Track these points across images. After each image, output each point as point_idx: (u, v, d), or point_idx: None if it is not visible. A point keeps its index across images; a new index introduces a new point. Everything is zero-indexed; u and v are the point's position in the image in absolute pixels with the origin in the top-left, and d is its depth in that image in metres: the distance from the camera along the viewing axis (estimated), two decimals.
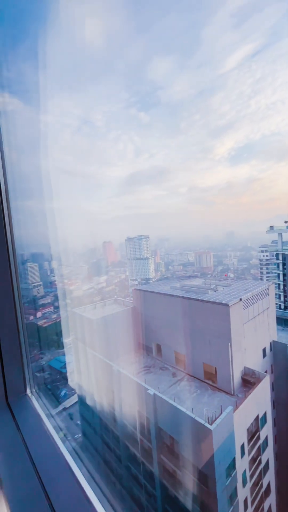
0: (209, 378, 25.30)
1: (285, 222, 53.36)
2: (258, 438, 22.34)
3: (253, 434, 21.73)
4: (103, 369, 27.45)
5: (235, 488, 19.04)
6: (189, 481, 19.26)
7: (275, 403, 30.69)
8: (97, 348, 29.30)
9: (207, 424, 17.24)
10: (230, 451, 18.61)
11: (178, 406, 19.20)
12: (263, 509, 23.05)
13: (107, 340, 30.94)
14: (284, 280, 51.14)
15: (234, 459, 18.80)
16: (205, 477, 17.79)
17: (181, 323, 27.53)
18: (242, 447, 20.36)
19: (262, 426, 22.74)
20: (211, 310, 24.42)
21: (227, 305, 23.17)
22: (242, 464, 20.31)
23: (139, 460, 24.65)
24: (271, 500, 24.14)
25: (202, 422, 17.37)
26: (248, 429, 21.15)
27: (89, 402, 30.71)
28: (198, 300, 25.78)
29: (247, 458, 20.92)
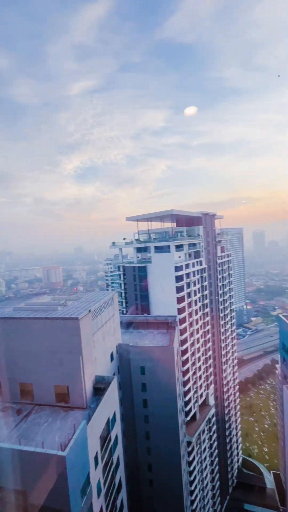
0: (61, 400, 23.92)
1: (124, 239, 63.22)
2: (110, 440, 23.71)
3: (105, 438, 22.77)
4: None
5: (91, 504, 18.84)
6: None
7: (122, 400, 34.21)
8: None
9: (59, 452, 16.00)
10: (85, 468, 18.32)
11: (24, 448, 16.47)
12: (116, 507, 24.41)
13: None
14: (125, 288, 59.69)
15: (88, 474, 18.64)
16: None
17: (27, 348, 24.30)
18: (96, 457, 20.69)
19: (112, 426, 24.44)
20: (61, 326, 23.56)
21: (77, 318, 23.32)
22: (96, 475, 20.57)
23: None
24: (123, 494, 26.15)
25: (54, 452, 15.94)
26: (100, 436, 21.91)
27: None
28: (46, 318, 24.03)
29: (100, 466, 21.48)
